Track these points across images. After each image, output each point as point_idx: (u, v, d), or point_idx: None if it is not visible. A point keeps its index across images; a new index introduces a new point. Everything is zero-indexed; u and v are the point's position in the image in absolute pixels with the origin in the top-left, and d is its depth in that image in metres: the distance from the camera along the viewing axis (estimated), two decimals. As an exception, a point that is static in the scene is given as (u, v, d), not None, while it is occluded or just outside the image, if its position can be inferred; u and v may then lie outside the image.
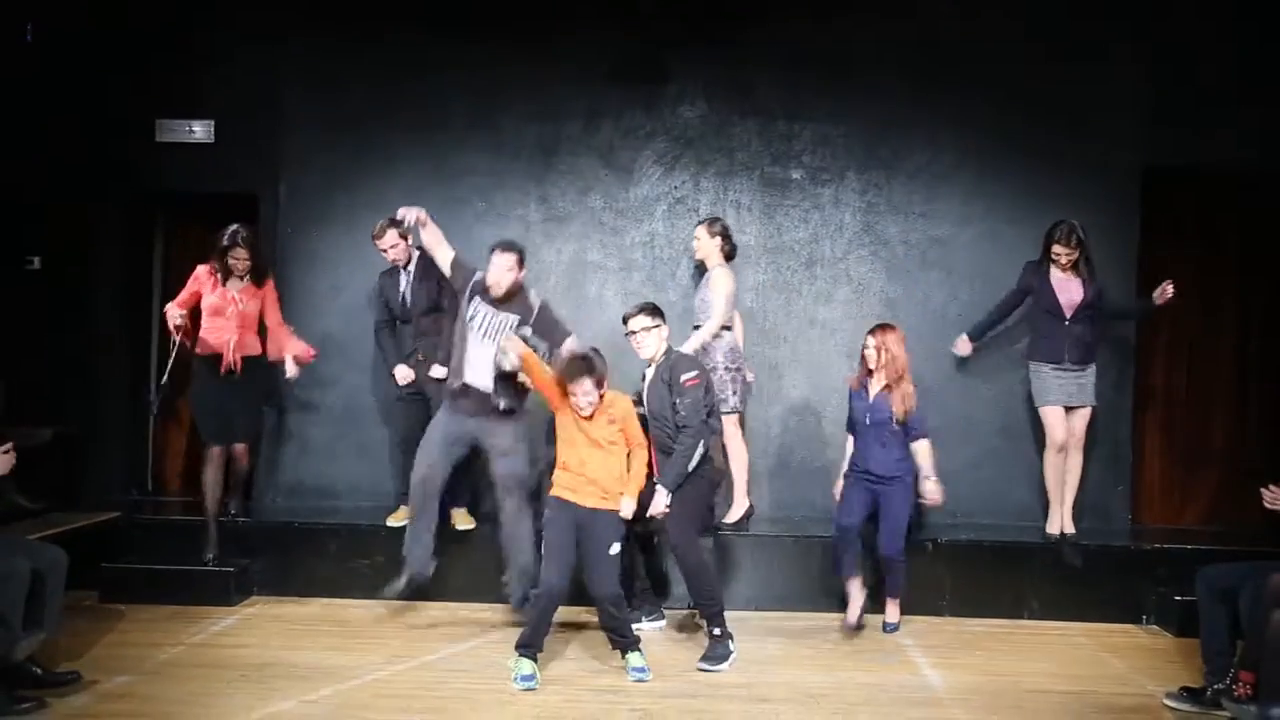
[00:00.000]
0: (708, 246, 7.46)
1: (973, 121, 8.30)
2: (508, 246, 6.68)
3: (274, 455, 8.29)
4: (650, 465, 6.30)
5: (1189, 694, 5.49)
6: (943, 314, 8.21)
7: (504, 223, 8.32)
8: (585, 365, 5.88)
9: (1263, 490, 5.35)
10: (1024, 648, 6.68)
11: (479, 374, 6.53)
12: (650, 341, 6.30)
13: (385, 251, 7.32)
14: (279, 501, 8.29)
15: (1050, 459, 7.53)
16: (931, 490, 6.56)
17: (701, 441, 6.13)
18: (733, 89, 8.40)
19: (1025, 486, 8.12)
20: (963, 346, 7.72)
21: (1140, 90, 8.14)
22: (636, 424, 6.17)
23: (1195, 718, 5.36)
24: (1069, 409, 7.42)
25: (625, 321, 6.49)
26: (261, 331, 7.24)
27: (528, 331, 6.57)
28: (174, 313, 6.83)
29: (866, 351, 6.63)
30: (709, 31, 8.31)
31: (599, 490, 5.92)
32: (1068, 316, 7.27)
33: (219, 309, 6.94)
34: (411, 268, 7.40)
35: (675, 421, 6.14)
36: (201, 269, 6.99)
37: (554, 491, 6.01)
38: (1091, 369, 7.40)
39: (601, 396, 5.94)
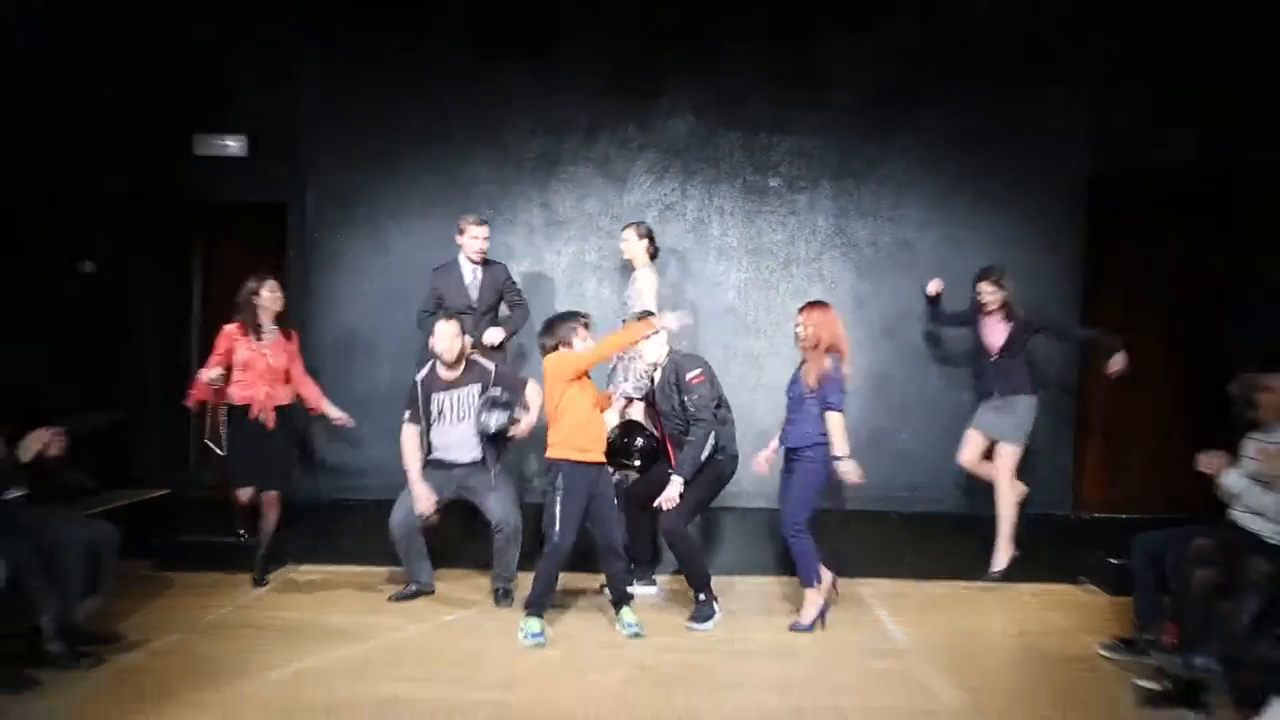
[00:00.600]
0: (635, 248, 7.35)
1: (934, 136, 8.31)
2: (450, 316, 6.70)
3: (305, 439, 8.27)
4: (668, 453, 6.39)
5: (1122, 644, 5.62)
6: (907, 309, 8.22)
7: (510, 228, 8.38)
8: (575, 320, 6.03)
9: (1199, 455, 5.35)
10: (977, 607, 6.76)
11: (456, 452, 6.59)
12: (652, 348, 6.34)
13: (474, 241, 7.25)
14: (309, 480, 8.30)
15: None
16: (845, 470, 6.07)
17: (713, 432, 6.14)
18: (718, 105, 8.40)
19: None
20: (934, 286, 7.58)
21: (1083, 109, 8.14)
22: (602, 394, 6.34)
23: (1127, 665, 5.42)
24: (992, 441, 7.23)
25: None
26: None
27: (496, 391, 6.58)
28: (210, 374, 6.63)
29: (796, 329, 6.26)
30: (697, 52, 8.33)
31: (601, 448, 6.01)
32: (992, 356, 7.17)
33: (250, 364, 6.71)
34: (480, 266, 7.37)
35: (686, 416, 6.16)
36: (230, 328, 6.74)
37: (562, 455, 5.89)
38: (1017, 401, 7.09)
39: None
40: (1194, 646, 4.71)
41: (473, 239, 7.26)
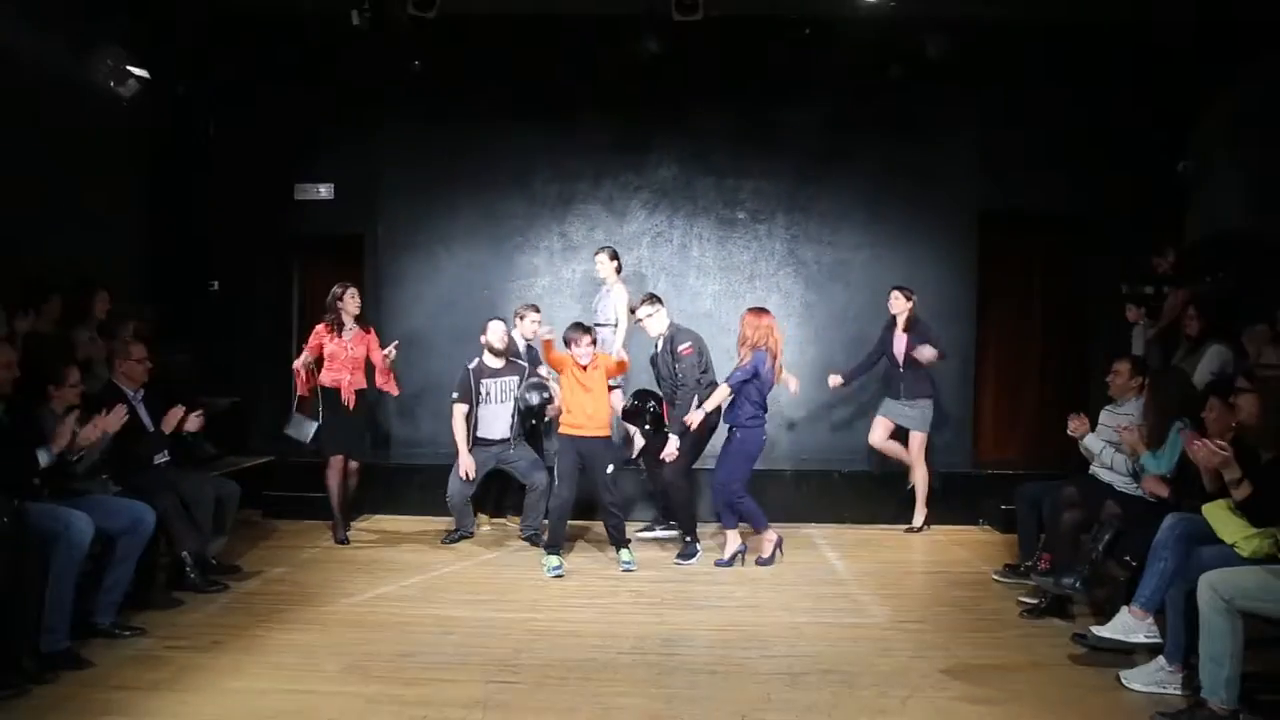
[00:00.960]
0: (607, 269, 7.17)
1: (862, 179, 8.35)
2: (499, 319, 6.64)
3: (377, 418, 8.30)
4: (662, 413, 6.19)
5: (1009, 570, 5.68)
6: (844, 314, 8.30)
7: (535, 251, 8.46)
8: (582, 329, 5.90)
9: (1069, 418, 5.34)
10: (900, 545, 6.80)
11: (495, 429, 6.50)
12: (654, 323, 6.11)
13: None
14: (382, 449, 8.33)
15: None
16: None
17: (696, 395, 5.88)
18: (695, 157, 8.45)
19: (900, 433, 8.17)
20: (833, 381, 7.23)
21: (973, 157, 8.20)
22: (609, 359, 6.19)
23: (1012, 586, 5.46)
24: (903, 430, 7.09)
25: (633, 311, 6.40)
26: (367, 368, 6.72)
27: (536, 378, 6.49)
28: (303, 360, 6.50)
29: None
30: (678, 119, 8.38)
31: (594, 424, 5.86)
32: (899, 365, 7.00)
33: (335, 355, 6.47)
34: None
35: (675, 381, 5.96)
36: (320, 327, 6.52)
37: (561, 431, 5.91)
38: (920, 403, 6.97)
39: (594, 356, 5.89)
40: (1062, 571, 4.74)
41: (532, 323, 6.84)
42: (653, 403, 6.27)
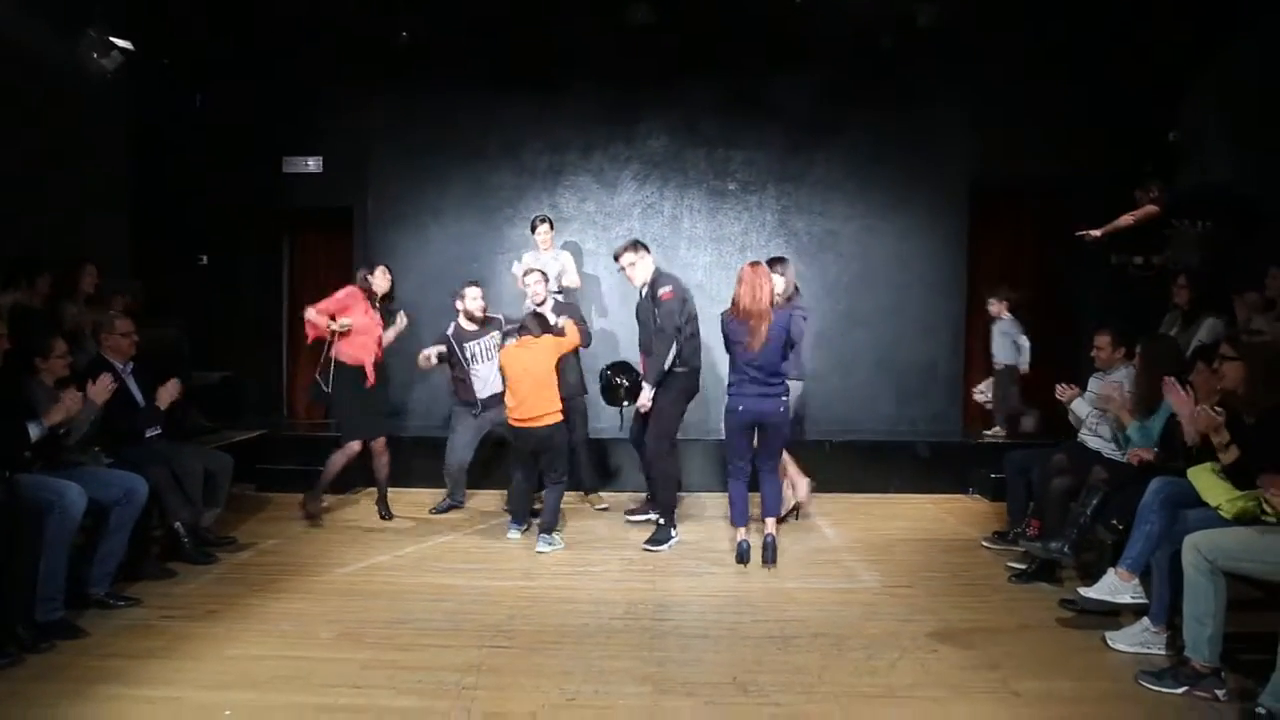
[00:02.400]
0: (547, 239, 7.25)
1: (853, 150, 8.36)
2: (475, 283, 6.52)
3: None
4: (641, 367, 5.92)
5: (998, 536, 5.75)
6: (835, 283, 8.32)
7: (525, 223, 8.22)
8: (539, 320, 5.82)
9: (1057, 386, 5.38)
10: (890, 512, 6.82)
11: (489, 387, 6.29)
12: (639, 271, 5.70)
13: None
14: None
15: None
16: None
17: (675, 344, 5.48)
18: (685, 128, 8.45)
19: (891, 403, 8.29)
20: None
21: (966, 130, 8.20)
22: (562, 339, 5.78)
23: (1001, 552, 5.53)
24: None
25: (616, 259, 5.86)
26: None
27: (510, 329, 6.34)
28: (340, 324, 6.07)
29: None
30: (667, 88, 8.36)
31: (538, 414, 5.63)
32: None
33: (366, 329, 6.14)
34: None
35: (653, 328, 5.55)
36: (356, 290, 6.16)
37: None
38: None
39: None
40: (1050, 536, 4.79)
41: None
42: (625, 379, 6.03)
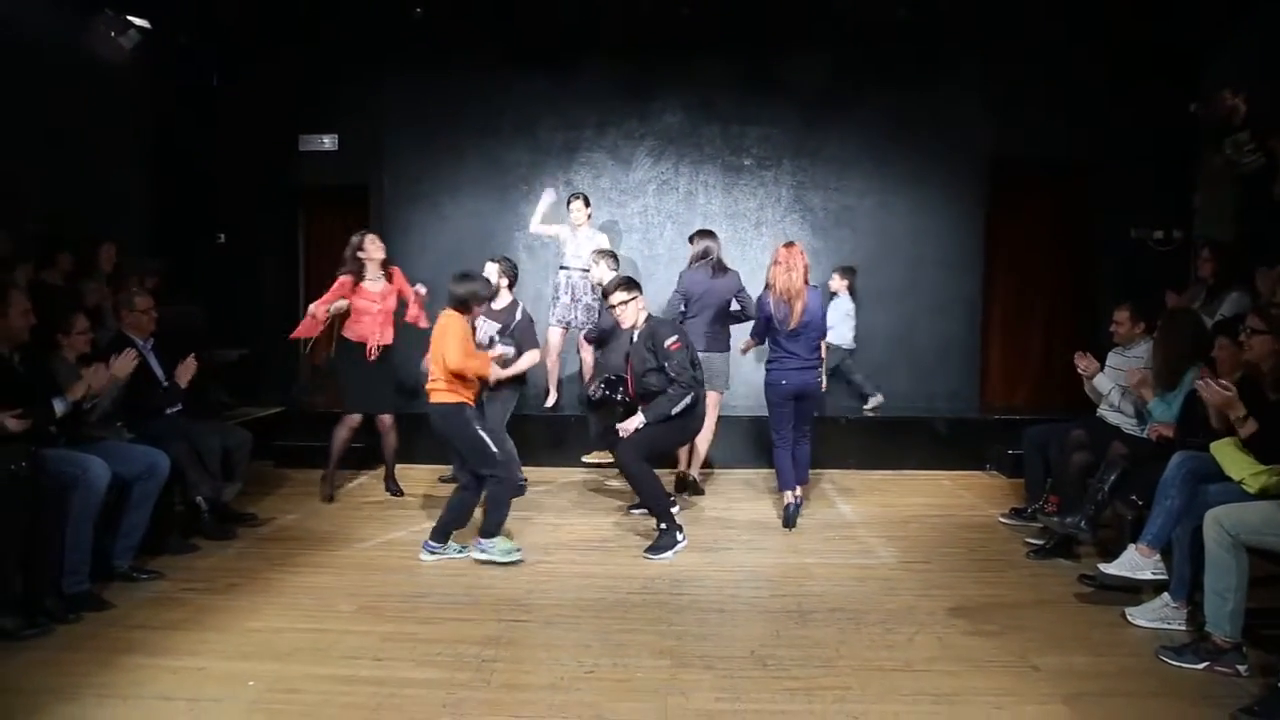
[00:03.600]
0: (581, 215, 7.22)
1: (869, 125, 8.28)
2: (493, 259, 6.15)
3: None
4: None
5: (1015, 513, 5.74)
6: (850, 260, 8.20)
7: (540, 200, 8.41)
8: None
9: (1076, 357, 5.30)
10: (907, 489, 6.80)
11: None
12: (628, 312, 5.26)
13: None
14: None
15: None
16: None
17: (692, 394, 5.10)
18: (700, 103, 8.40)
19: (908, 380, 8.22)
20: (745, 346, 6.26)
21: (985, 104, 8.11)
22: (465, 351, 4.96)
23: (1019, 529, 5.53)
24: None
25: (605, 296, 5.48)
26: (398, 320, 6.32)
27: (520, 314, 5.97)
28: (334, 306, 6.01)
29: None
30: (681, 64, 8.30)
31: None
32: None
33: (364, 310, 6.06)
34: None
35: (669, 375, 5.07)
36: (344, 279, 6.02)
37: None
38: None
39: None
40: (1069, 512, 4.76)
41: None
42: (621, 392, 5.51)
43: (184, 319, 6.26)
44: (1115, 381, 5.22)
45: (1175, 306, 5.84)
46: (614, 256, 6.61)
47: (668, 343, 5.10)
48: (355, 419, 6.23)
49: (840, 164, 8.37)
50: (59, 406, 4.26)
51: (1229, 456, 3.87)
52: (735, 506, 6.19)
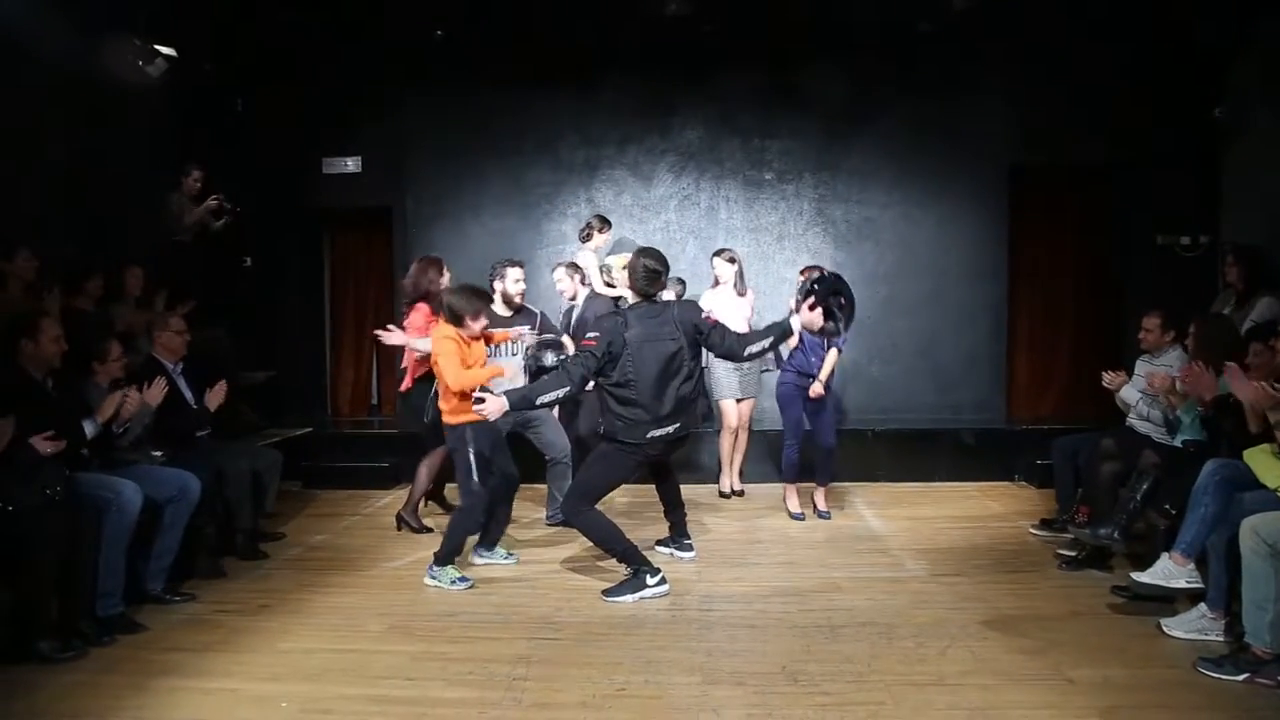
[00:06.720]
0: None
1: (890, 137, 8.27)
2: (519, 263, 5.90)
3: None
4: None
5: (1045, 524, 5.68)
6: (874, 272, 8.23)
7: (563, 218, 8.48)
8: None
9: (1103, 373, 5.28)
10: (935, 501, 6.76)
11: (502, 383, 5.14)
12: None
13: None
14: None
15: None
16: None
17: (569, 388, 4.51)
18: (720, 119, 8.42)
19: (934, 391, 8.18)
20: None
21: (1004, 112, 8.08)
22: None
23: (1049, 540, 5.47)
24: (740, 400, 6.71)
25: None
26: None
27: (549, 336, 5.61)
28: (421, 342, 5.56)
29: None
30: (701, 80, 8.33)
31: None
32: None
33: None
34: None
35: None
36: (427, 308, 5.75)
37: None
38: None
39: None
40: (1100, 522, 4.71)
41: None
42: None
43: (211, 344, 6.29)
44: (1142, 391, 5.16)
45: (1208, 313, 5.78)
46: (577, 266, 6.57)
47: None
48: (441, 452, 5.72)
49: (862, 176, 8.36)
50: (89, 429, 4.33)
51: (1263, 464, 3.82)
52: (760, 522, 6.18)
